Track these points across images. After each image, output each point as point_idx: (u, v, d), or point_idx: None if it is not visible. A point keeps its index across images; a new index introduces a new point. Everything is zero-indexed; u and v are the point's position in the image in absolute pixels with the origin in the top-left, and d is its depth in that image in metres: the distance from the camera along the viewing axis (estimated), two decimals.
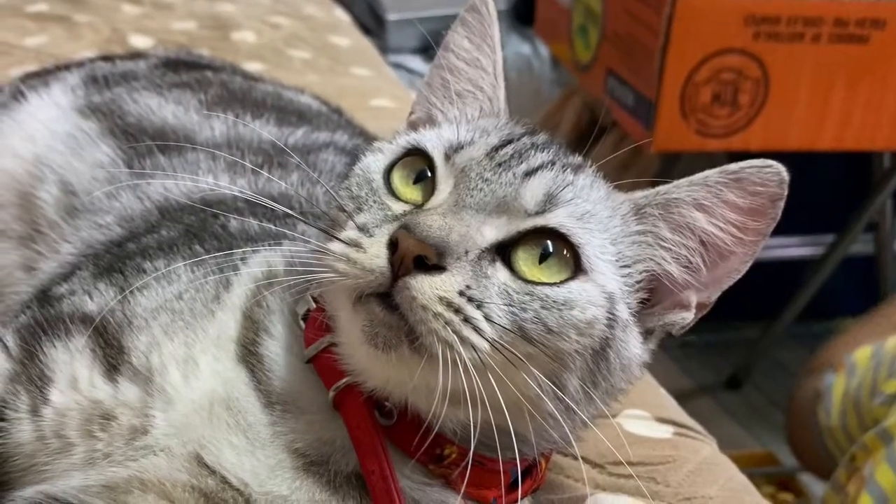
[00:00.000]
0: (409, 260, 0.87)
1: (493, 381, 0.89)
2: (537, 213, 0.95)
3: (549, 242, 0.93)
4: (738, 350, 3.91)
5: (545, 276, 0.93)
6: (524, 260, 0.93)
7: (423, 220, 0.90)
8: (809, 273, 3.52)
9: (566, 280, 0.93)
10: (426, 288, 0.87)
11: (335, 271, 0.92)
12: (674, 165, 2.98)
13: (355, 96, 2.37)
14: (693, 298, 1.02)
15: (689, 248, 1.00)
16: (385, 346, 0.90)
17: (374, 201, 0.99)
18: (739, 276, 1.02)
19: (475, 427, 0.91)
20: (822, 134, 2.70)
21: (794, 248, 3.57)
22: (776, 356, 3.86)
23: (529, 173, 0.97)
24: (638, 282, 1.00)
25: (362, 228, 0.94)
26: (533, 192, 0.95)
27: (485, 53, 1.11)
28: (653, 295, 1.02)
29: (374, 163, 1.04)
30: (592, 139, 1.12)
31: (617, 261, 0.98)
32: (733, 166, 0.97)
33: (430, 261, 0.88)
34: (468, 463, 0.95)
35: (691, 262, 1.00)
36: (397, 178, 1.01)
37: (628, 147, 2.54)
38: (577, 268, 0.94)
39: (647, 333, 1.02)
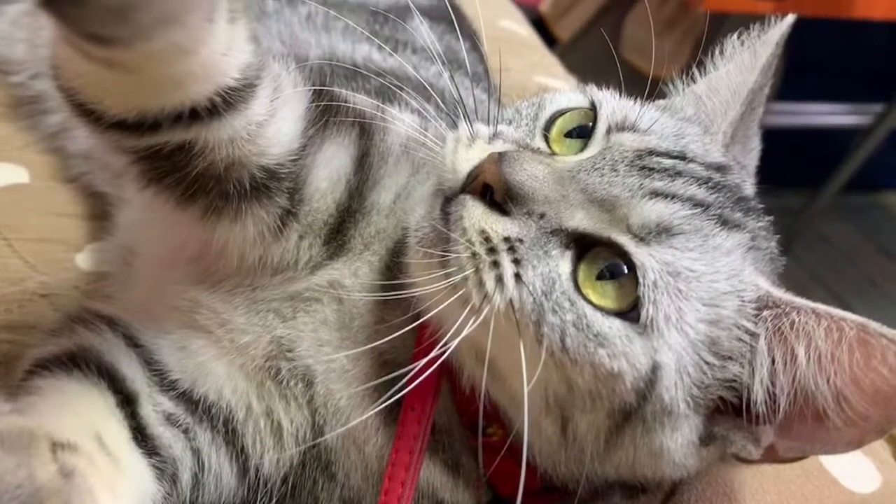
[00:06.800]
0: (479, 183, 0.85)
1: (500, 345, 0.84)
2: (636, 236, 0.85)
3: (623, 266, 0.85)
4: (780, 219, 3.85)
5: (593, 293, 0.84)
6: (586, 267, 0.85)
7: (524, 160, 0.86)
8: (856, 143, 3.42)
9: (611, 312, 0.84)
10: (475, 215, 0.85)
11: (432, 150, 0.92)
12: (721, 26, 2.92)
13: None
14: (765, 438, 0.89)
15: (783, 384, 0.86)
16: (422, 241, 0.88)
17: (526, 125, 0.97)
18: (836, 454, 0.92)
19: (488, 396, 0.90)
20: (877, 2, 2.63)
21: (840, 116, 3.48)
22: (819, 228, 3.79)
23: (659, 194, 0.87)
24: (726, 380, 0.87)
25: (494, 134, 0.92)
26: (647, 212, 0.86)
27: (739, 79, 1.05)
28: (734, 404, 0.89)
29: (552, 101, 1.00)
30: None
31: (706, 342, 0.86)
32: (874, 326, 0.81)
33: (495, 196, 0.85)
34: (505, 446, 0.91)
35: (777, 400, 0.86)
36: (559, 125, 0.97)
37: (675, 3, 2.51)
38: (632, 310, 0.84)
39: (708, 438, 0.90)
